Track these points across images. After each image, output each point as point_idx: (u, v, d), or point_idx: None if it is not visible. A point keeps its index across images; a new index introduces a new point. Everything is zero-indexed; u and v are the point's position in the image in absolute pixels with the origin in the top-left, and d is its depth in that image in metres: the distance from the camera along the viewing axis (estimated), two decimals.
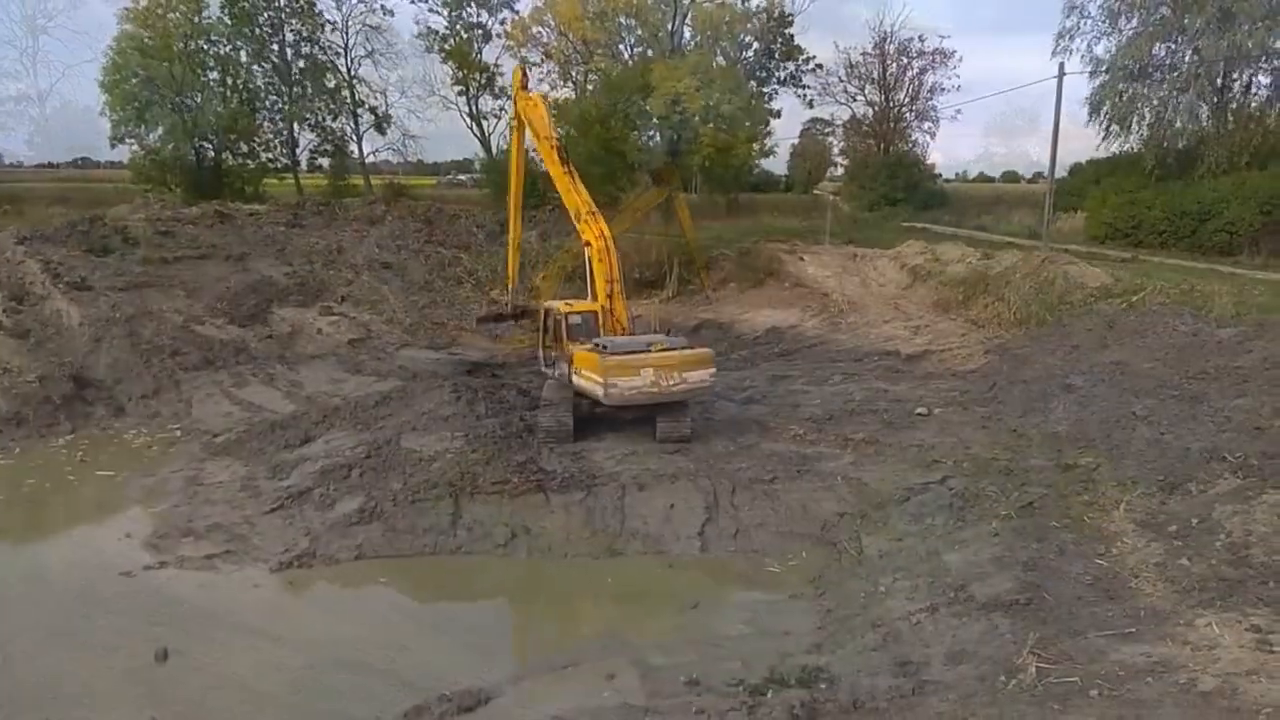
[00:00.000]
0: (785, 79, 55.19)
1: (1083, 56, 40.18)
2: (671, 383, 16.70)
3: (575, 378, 17.40)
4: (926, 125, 69.22)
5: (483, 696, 9.85)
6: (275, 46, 52.00)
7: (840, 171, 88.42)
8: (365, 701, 9.81)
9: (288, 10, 51.57)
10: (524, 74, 24.43)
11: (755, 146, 51.06)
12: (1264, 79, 38.40)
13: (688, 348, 17.76)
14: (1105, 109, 39.86)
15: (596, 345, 17.09)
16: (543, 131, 21.79)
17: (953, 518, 13.16)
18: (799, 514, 14.53)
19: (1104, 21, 39.36)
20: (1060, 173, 40.98)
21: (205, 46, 49.57)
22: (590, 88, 51.36)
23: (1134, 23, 38.37)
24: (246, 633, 11.73)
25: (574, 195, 19.97)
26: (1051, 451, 15.61)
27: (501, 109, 55.72)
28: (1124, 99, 39.20)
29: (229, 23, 49.58)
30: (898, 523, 13.59)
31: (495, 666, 10.72)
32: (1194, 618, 9.23)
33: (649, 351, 16.80)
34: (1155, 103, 38.67)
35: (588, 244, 18.82)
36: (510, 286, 26.77)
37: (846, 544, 13.50)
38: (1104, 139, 41.24)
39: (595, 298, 18.70)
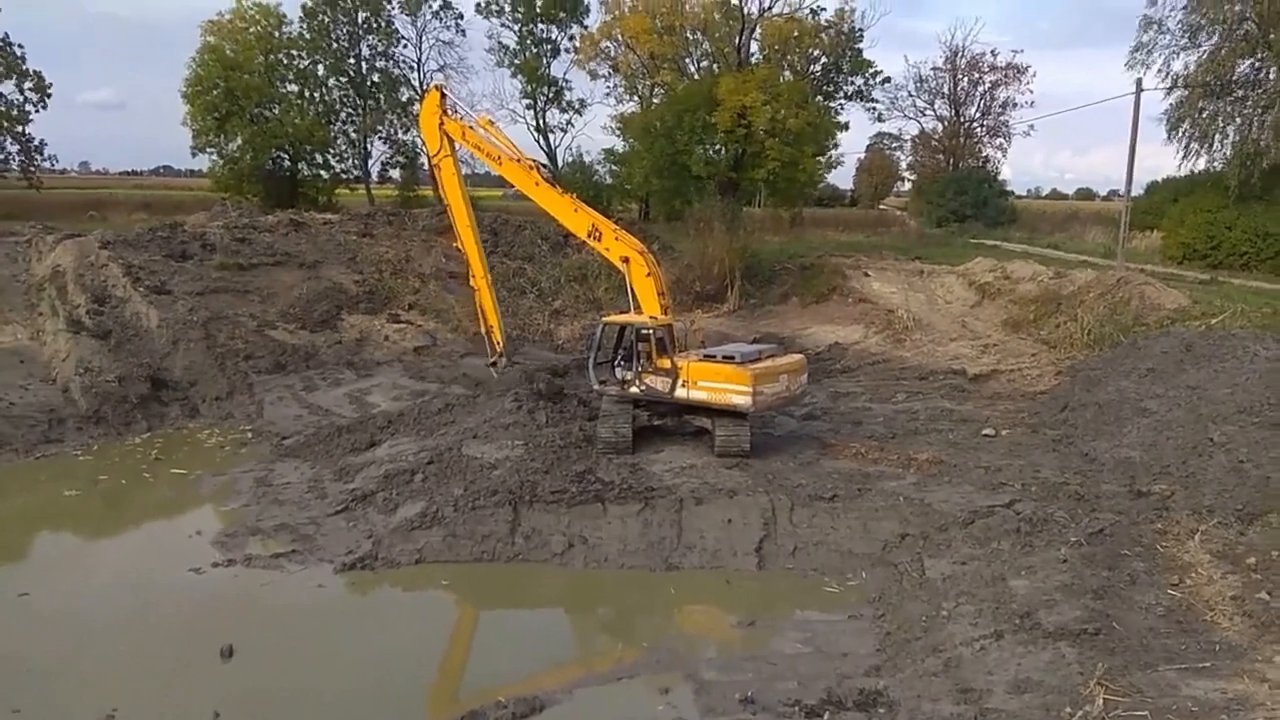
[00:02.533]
0: (853, 93, 54.71)
1: (1160, 71, 39.06)
2: (796, 387, 17.90)
3: (690, 390, 17.18)
4: (998, 141, 67.97)
5: (537, 704, 9.92)
6: (352, 60, 53.37)
7: (907, 186, 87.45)
8: (423, 705, 9.94)
9: (365, 26, 52.90)
10: (442, 95, 21.85)
11: (821, 160, 50.70)
12: None
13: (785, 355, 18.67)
14: (1184, 126, 38.65)
15: (719, 357, 17.43)
16: (503, 154, 20.62)
17: (1020, 542, 12.82)
18: (859, 533, 14.33)
19: (1183, 36, 38.20)
20: (1137, 190, 39.94)
21: (285, 60, 51.07)
22: (656, 101, 51.60)
23: (1215, 38, 37.17)
24: (310, 633, 12.00)
25: (580, 214, 19.59)
26: (1124, 477, 15.16)
27: (569, 122, 56.33)
28: (1204, 116, 37.97)
29: (308, 37, 51.07)
30: (962, 546, 13.29)
31: (551, 675, 10.78)
32: (1273, 654, 8.88)
33: (768, 359, 17.67)
34: (1239, 121, 37.39)
35: (626, 260, 18.47)
36: (496, 340, 22.73)
37: (908, 566, 13.26)
38: (1184, 157, 39.99)
39: (641, 312, 18.49)
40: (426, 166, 23.94)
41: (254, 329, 26.00)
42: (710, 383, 16.98)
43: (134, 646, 11.50)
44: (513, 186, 23.03)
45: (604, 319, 19.48)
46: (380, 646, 11.61)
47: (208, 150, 48.89)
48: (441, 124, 21.30)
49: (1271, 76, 36.36)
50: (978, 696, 9.09)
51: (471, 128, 21.43)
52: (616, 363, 18.57)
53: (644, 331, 17.91)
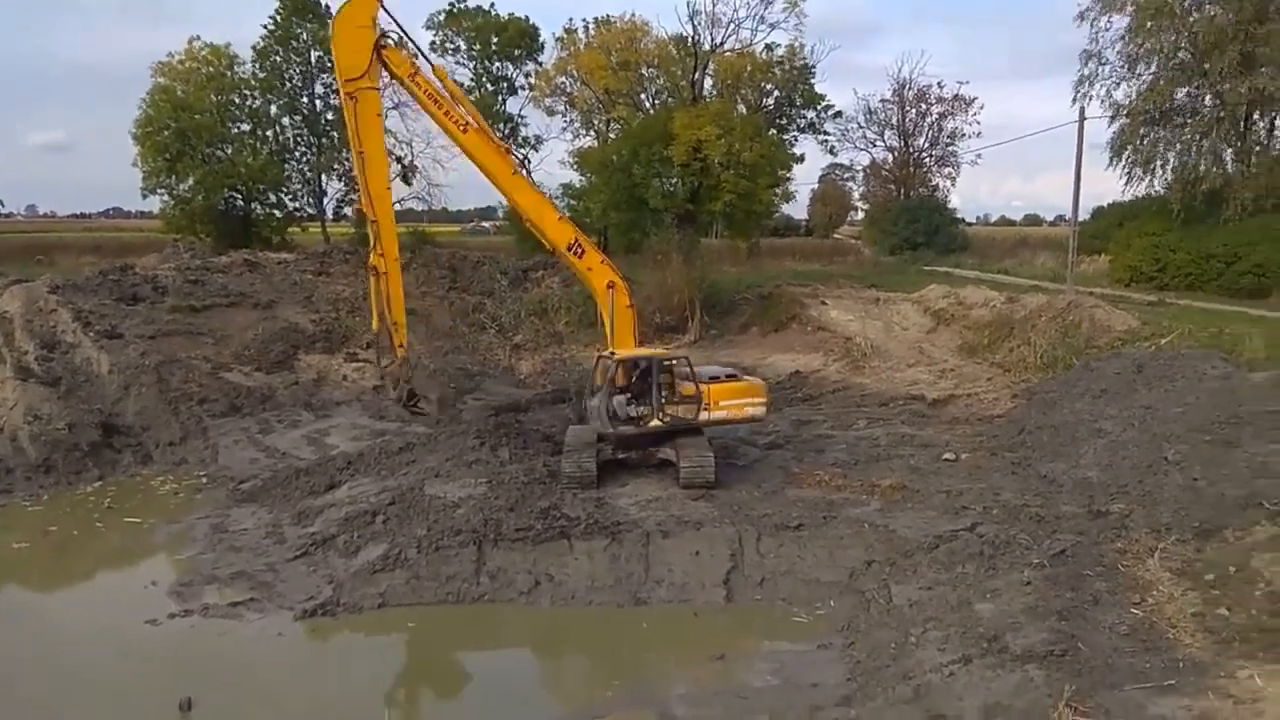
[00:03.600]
0: (805, 126, 55.62)
1: (1102, 101, 40.27)
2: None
3: (712, 412, 17.63)
4: (947, 170, 69.45)
5: None
6: (305, 99, 53.18)
7: (861, 216, 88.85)
8: None
9: (318, 65, 52.82)
10: (382, 6, 17.49)
11: (776, 192, 51.32)
12: None
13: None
14: (1127, 153, 39.81)
15: (725, 377, 18.56)
16: (468, 120, 17.67)
17: (984, 566, 12.91)
18: (826, 562, 14.34)
19: (1123, 67, 39.47)
20: (1083, 216, 40.96)
21: (237, 100, 50.76)
22: (613, 135, 52.01)
23: (1153, 67, 38.45)
24: (270, 683, 11.69)
25: (564, 224, 18.92)
26: (1083, 498, 15.37)
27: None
28: (1145, 143, 39.16)
29: (260, 76, 50.84)
30: (927, 571, 13.35)
31: (520, 718, 10.58)
32: (1235, 669, 8.98)
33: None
34: (1178, 147, 38.60)
35: (611, 286, 18.53)
36: (400, 339, 19.43)
37: (875, 592, 13.27)
38: (1127, 183, 41.16)
39: (614, 343, 18.56)
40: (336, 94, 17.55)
41: (208, 372, 25.54)
42: (730, 400, 17.79)
43: (89, 702, 11.11)
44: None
45: (614, 356, 18.28)
46: (343, 695, 11.35)
47: (159, 191, 48.30)
48: (379, 47, 17.31)
49: (1207, 104, 37.62)
50: None
51: (422, 73, 17.73)
52: (625, 400, 17.90)
53: (667, 363, 18.32)
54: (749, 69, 49.51)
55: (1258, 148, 38.16)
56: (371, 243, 18.17)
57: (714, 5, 48.58)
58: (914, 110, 66.63)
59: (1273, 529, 11.93)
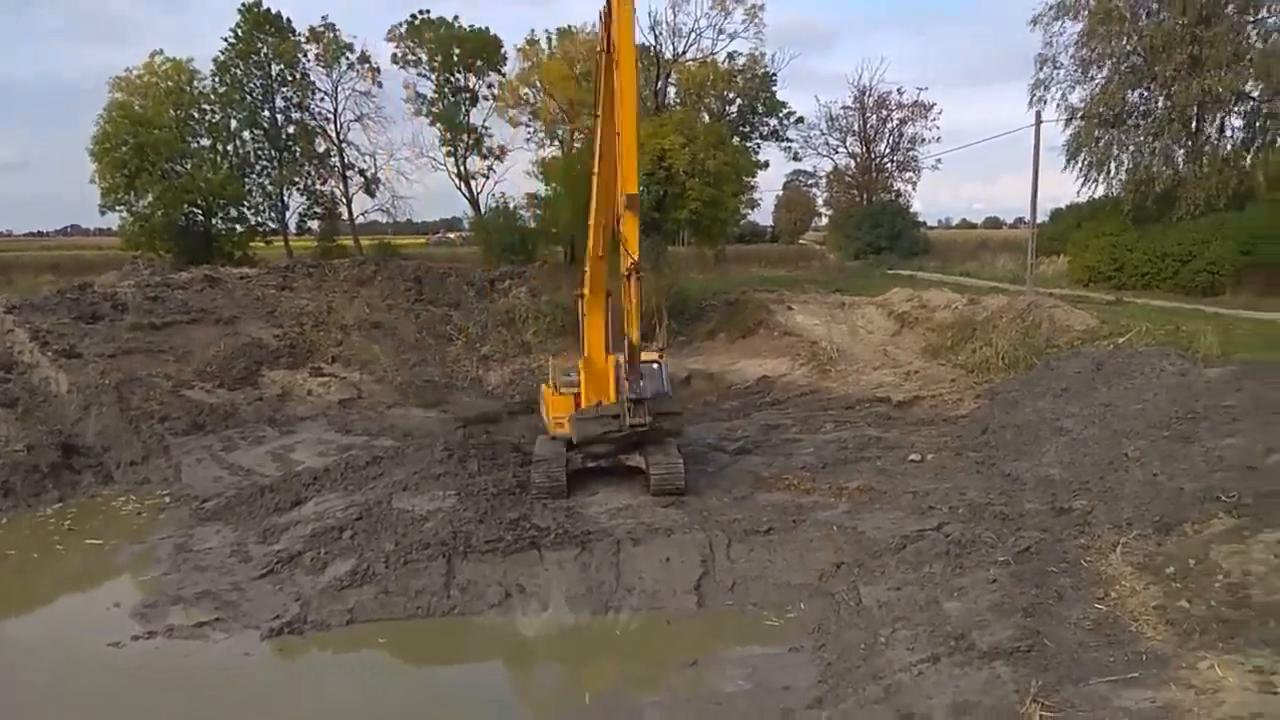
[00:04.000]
0: (769, 133, 56.10)
1: (1058, 104, 41.04)
2: None
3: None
4: (908, 175, 70.37)
5: None
6: (266, 113, 52.75)
7: (825, 221, 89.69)
8: None
9: (279, 79, 52.43)
10: None
11: (741, 199, 51.68)
12: (1236, 121, 39.26)
13: None
14: (1082, 155, 40.58)
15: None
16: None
17: (950, 565, 13.04)
18: (796, 565, 14.41)
19: (1076, 70, 40.26)
20: (1041, 218, 41.61)
21: (196, 114, 50.20)
22: (577, 145, 52.07)
23: (1105, 71, 39.24)
24: (238, 703, 11.51)
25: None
26: (1046, 495, 15.57)
27: (490, 169, 56.43)
28: (1100, 145, 39.95)
29: (220, 91, 50.34)
30: (895, 571, 13.45)
31: None
32: (1196, 660, 9.14)
33: None
34: (1131, 148, 39.41)
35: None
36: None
37: (845, 594, 13.35)
38: (1083, 184, 41.94)
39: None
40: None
41: (169, 389, 25.17)
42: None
43: None
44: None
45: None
46: (313, 714, 11.22)
47: (117, 208, 47.60)
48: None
49: (1159, 106, 38.45)
50: None
51: None
52: None
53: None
54: (711, 78, 49.90)
55: (1208, 148, 39.03)
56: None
57: (674, 16, 48.93)
58: (875, 116, 67.55)
59: (1230, 521, 12.14)
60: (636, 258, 15.20)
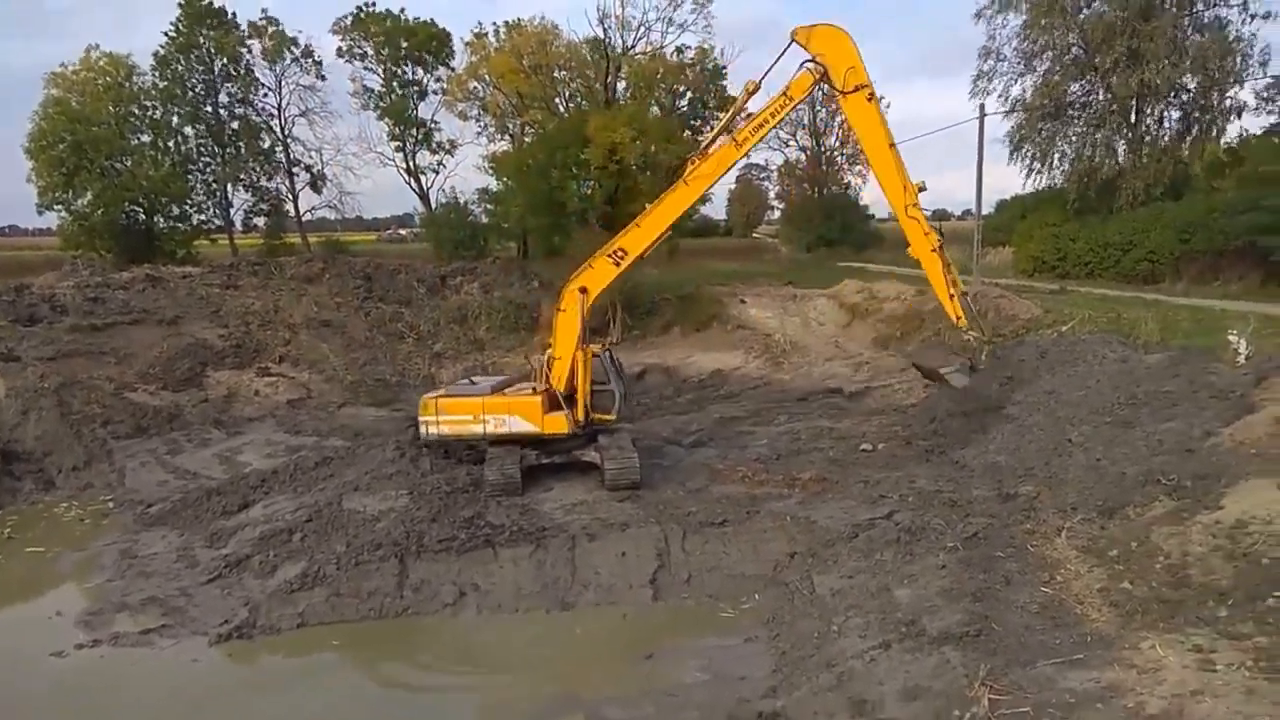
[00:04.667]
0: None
1: (1000, 96, 41.68)
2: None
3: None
4: (858, 168, 70.88)
5: None
6: (209, 109, 51.66)
7: (777, 215, 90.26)
8: None
9: (222, 74, 51.34)
10: None
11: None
12: (1174, 113, 40.21)
13: None
14: (1026, 147, 41.29)
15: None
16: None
17: (901, 552, 13.21)
18: (750, 556, 14.50)
19: (1019, 63, 40.94)
20: (987, 209, 42.31)
21: (136, 110, 48.97)
22: (528, 139, 51.76)
23: (1048, 63, 39.97)
24: (185, 712, 11.29)
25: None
26: (993, 482, 15.84)
27: (440, 163, 55.83)
28: (1043, 137, 40.69)
29: (161, 86, 49.17)
30: (848, 560, 13.60)
31: None
32: (1138, 641, 9.34)
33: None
34: (1073, 139, 40.20)
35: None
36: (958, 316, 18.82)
37: (798, 584, 13.47)
38: (1027, 176, 42.69)
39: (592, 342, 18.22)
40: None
41: (111, 392, 24.57)
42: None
43: None
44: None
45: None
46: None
47: (55, 207, 46.29)
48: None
49: (1100, 98, 39.27)
50: (871, 708, 9.26)
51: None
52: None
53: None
54: (661, 71, 49.80)
55: (1147, 138, 39.95)
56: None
57: (623, 8, 48.77)
58: (824, 110, 67.87)
59: (1170, 504, 12.43)
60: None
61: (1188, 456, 13.64)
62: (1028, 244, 42.62)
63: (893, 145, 17.64)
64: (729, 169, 18.58)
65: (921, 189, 17.89)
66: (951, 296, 18.38)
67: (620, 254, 17.71)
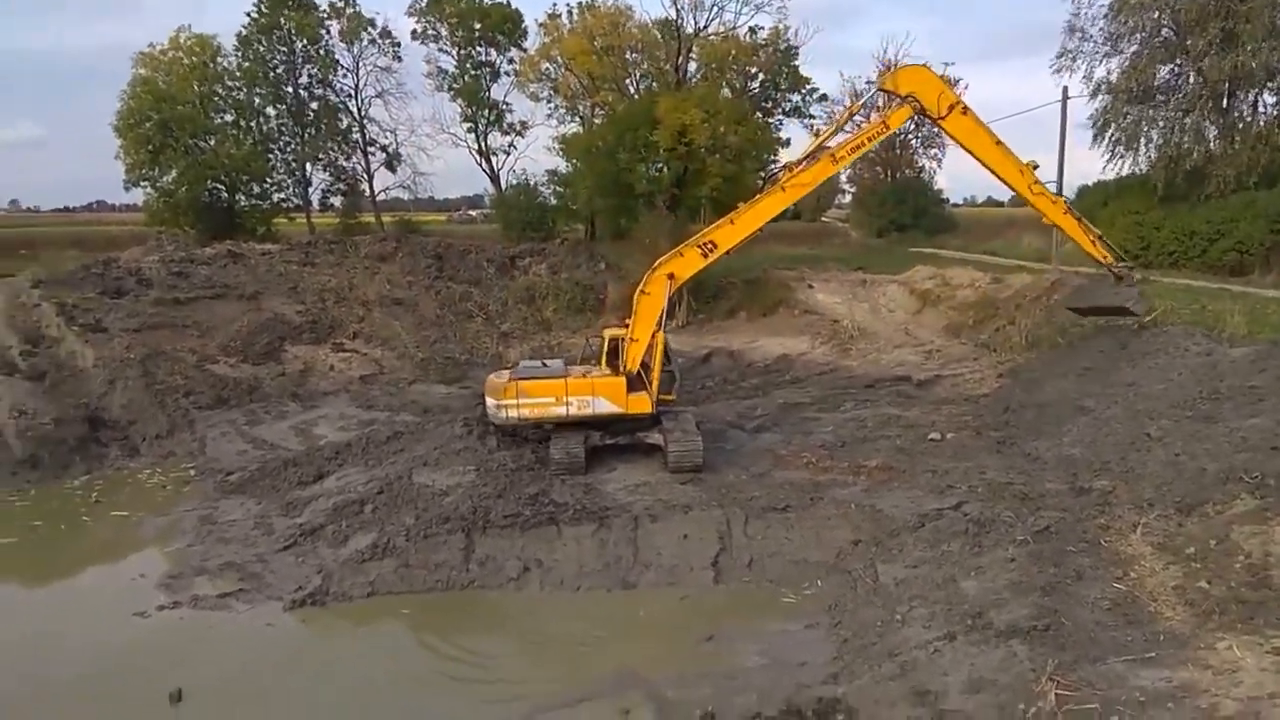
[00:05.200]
0: (791, 109, 55.40)
1: (1084, 78, 40.27)
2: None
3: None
4: (933, 151, 69.34)
5: None
6: (289, 89, 52.79)
7: (848, 199, 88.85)
8: None
9: (303, 55, 52.40)
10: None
11: (763, 176, 51.21)
12: (1269, 98, 38.35)
13: None
14: (1110, 131, 39.86)
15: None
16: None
17: (969, 544, 13.03)
18: (813, 542, 14.45)
19: (1105, 43, 39.48)
20: (1068, 195, 40.96)
21: (220, 90, 50.33)
22: (597, 121, 51.80)
23: (1135, 45, 38.48)
24: (260, 672, 11.74)
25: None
26: (1066, 475, 15.49)
27: (511, 145, 56.24)
28: (1129, 121, 39.20)
29: (245, 66, 50.43)
30: (913, 550, 13.46)
31: (510, 702, 10.64)
32: (1214, 641, 9.10)
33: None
34: (1161, 124, 38.66)
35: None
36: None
37: (862, 572, 13.38)
38: (1110, 161, 41.21)
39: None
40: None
41: (193, 364, 25.47)
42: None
43: (80, 694, 11.14)
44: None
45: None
46: (333, 683, 11.40)
47: (142, 184, 47.85)
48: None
49: (1190, 81, 37.69)
50: (934, 698, 9.19)
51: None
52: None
53: None
54: (733, 52, 49.23)
55: (1240, 125, 38.22)
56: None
57: None
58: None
59: (1252, 502, 12.02)
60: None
61: (1273, 454, 13.15)
62: (1109, 231, 41.09)
63: (998, 143, 19.13)
64: (824, 180, 19.71)
65: (1035, 166, 19.61)
66: (1094, 242, 20.70)
67: (710, 246, 17.99)
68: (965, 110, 18.97)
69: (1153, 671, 8.73)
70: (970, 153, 19.51)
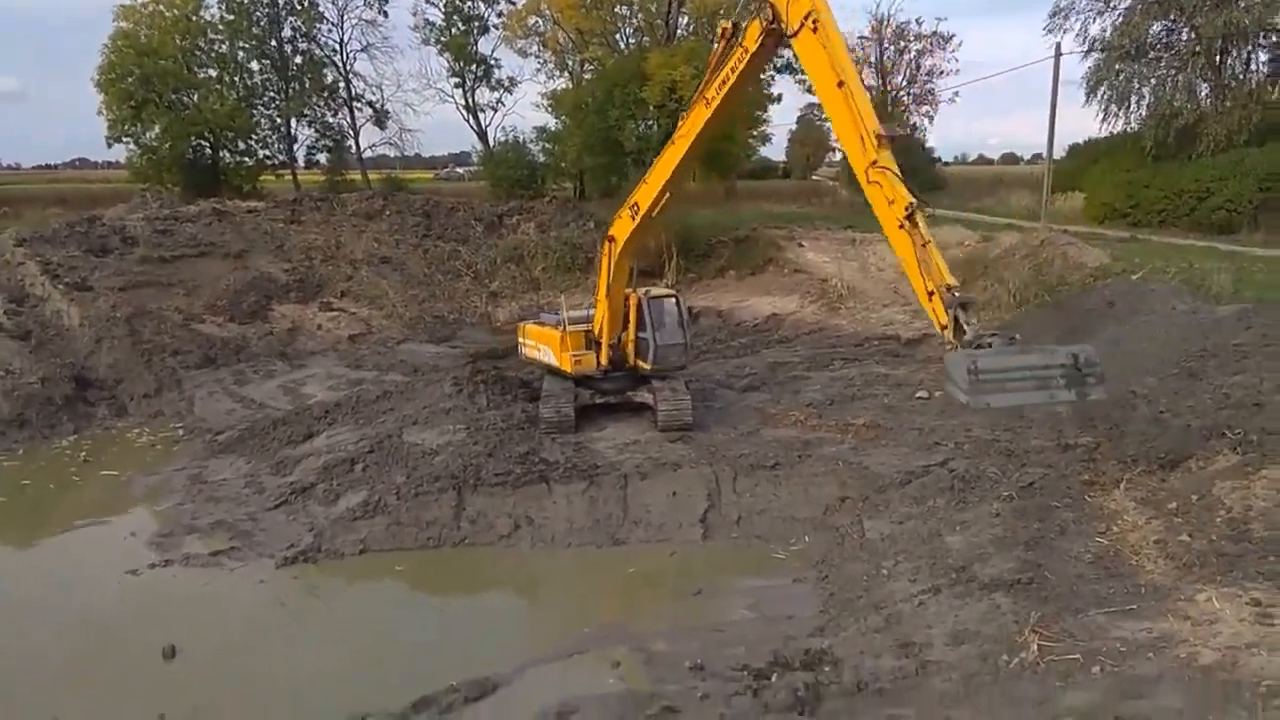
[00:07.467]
0: (782, 65, 54.86)
1: (1078, 35, 40.01)
2: None
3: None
4: (925, 109, 68.78)
5: (489, 686, 9.94)
6: (273, 43, 51.86)
7: (839, 157, 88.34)
8: (372, 694, 9.87)
9: (286, 8, 51.42)
10: None
11: (753, 133, 50.85)
12: (1262, 55, 38.23)
13: None
14: (1103, 89, 39.69)
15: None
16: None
17: (954, 499, 13.19)
18: (801, 499, 14.59)
19: (1098, 0, 39.16)
20: (1059, 153, 40.90)
21: (203, 44, 49.42)
22: (587, 77, 51.20)
23: (1129, 1, 38.16)
24: (252, 629, 11.84)
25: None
26: (1052, 432, 15.62)
27: (499, 101, 55.57)
28: (1121, 79, 39.02)
29: (228, 19, 49.48)
30: (899, 506, 13.62)
31: (501, 656, 10.78)
32: (1194, 593, 9.26)
33: None
34: (1153, 82, 38.48)
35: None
36: None
37: (849, 528, 13.55)
38: (1103, 119, 41.08)
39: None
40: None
41: (180, 323, 25.36)
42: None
43: (72, 651, 11.21)
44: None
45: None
46: (326, 639, 11.51)
47: (124, 140, 47.16)
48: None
49: (1183, 38, 37.45)
50: (918, 649, 9.35)
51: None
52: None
53: None
54: (724, 7, 48.66)
55: (1233, 82, 38.10)
56: None
57: None
58: (892, 48, 65.79)
59: (1234, 457, 12.17)
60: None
61: (1256, 410, 13.32)
62: (1099, 190, 41.17)
63: (843, 84, 12.54)
64: (708, 128, 15.56)
65: (896, 136, 13.29)
66: (931, 295, 11.63)
67: (635, 208, 17.22)
68: (818, 26, 12.75)
69: (1133, 623, 8.89)
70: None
